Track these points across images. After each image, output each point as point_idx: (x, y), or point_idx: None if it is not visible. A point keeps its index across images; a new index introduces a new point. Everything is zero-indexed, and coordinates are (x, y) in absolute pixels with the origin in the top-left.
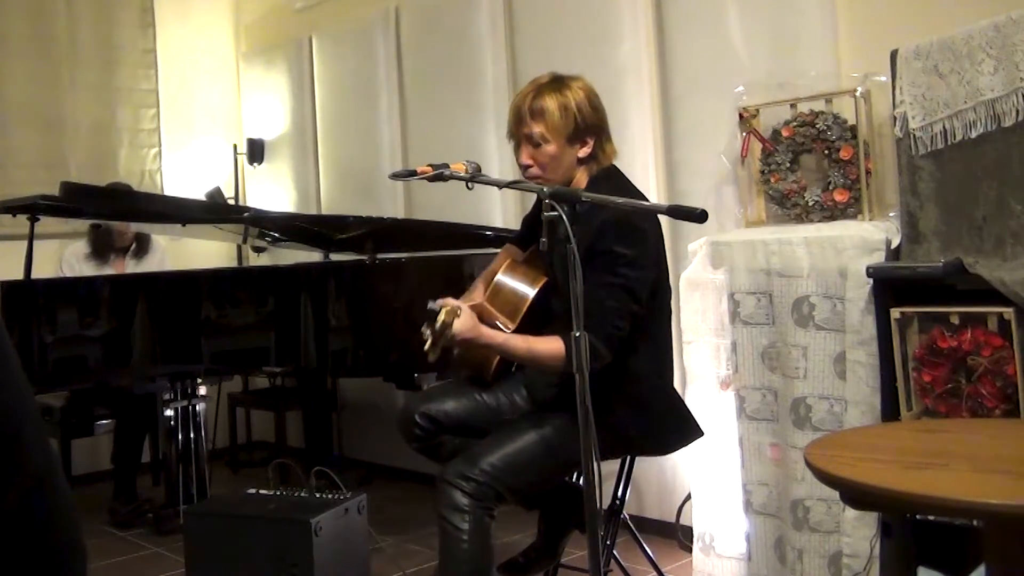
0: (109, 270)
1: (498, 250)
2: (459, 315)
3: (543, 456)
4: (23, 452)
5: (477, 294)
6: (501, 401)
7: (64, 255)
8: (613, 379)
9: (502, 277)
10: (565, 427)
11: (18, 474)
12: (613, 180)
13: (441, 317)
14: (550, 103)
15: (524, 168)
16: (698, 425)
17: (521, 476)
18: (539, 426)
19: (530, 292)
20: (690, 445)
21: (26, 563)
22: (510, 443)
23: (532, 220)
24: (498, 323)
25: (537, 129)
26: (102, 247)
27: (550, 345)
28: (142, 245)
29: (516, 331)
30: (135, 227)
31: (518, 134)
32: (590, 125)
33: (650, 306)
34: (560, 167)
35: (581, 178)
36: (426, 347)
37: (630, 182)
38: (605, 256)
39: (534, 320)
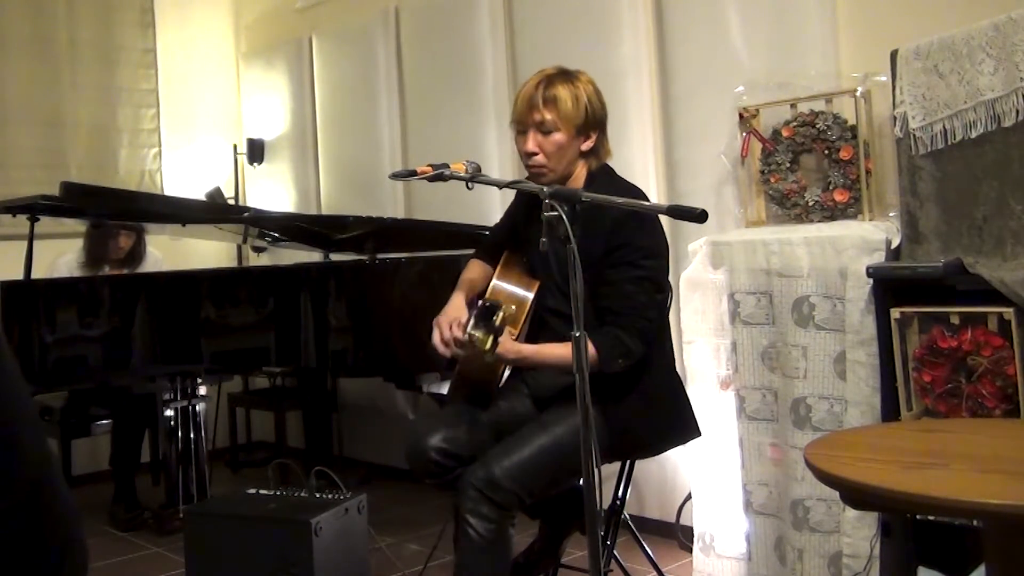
0: None
1: None
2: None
3: (559, 458)
4: (19, 454)
5: (456, 305)
6: (507, 412)
7: (56, 263)
8: (629, 374)
9: (499, 283)
10: (577, 427)
11: (15, 476)
12: (612, 177)
13: (501, 313)
14: (563, 92)
15: (528, 156)
16: (697, 425)
17: (539, 480)
18: (551, 428)
19: (529, 296)
20: (688, 444)
21: (25, 563)
22: (527, 448)
23: (509, 225)
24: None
25: (549, 116)
26: (98, 258)
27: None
28: (135, 255)
29: (519, 336)
30: (143, 227)
31: (527, 121)
32: (598, 119)
33: None
34: (564, 158)
35: (580, 173)
36: (488, 346)
37: (626, 180)
38: (625, 249)
39: (532, 324)
